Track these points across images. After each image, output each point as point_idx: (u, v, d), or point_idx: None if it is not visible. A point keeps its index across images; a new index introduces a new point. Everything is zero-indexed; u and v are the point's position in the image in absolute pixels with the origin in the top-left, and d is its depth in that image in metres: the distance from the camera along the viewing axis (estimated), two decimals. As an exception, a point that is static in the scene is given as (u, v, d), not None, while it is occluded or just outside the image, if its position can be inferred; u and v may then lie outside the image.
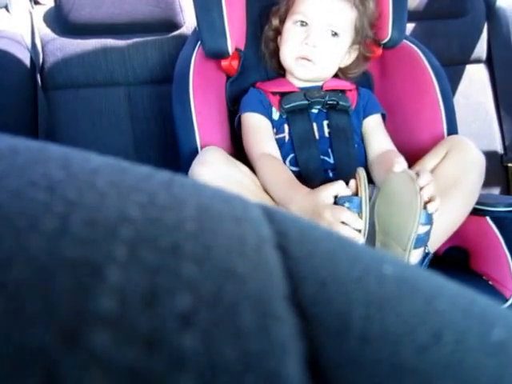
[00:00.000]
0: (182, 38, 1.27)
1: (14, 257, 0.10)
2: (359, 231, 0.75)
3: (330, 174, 0.93)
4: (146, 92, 1.34)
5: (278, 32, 1.02)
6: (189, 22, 1.36)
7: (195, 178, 0.81)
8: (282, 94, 0.98)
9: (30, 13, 1.39)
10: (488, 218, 0.97)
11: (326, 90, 0.98)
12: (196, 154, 0.88)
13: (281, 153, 0.94)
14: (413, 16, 1.37)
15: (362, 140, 1.00)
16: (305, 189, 0.81)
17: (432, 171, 0.87)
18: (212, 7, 0.93)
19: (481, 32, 1.55)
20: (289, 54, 0.97)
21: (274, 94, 0.99)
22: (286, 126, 0.96)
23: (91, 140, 1.30)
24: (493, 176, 1.50)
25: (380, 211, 0.80)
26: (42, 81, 1.30)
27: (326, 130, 0.96)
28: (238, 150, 0.98)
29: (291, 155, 0.94)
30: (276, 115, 0.98)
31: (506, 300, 0.90)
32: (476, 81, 1.56)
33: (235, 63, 1.02)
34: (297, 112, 0.96)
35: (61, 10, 1.30)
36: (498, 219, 0.97)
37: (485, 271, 0.95)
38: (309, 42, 0.94)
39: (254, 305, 0.10)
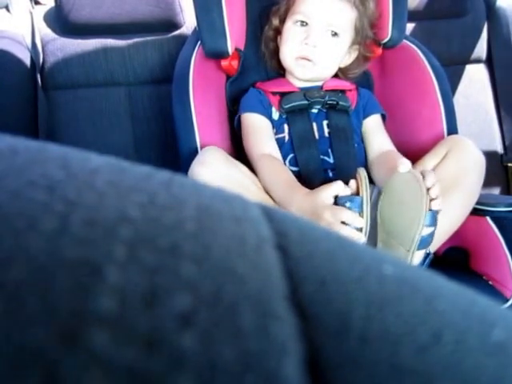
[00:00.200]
0: (182, 38, 1.27)
1: (13, 257, 0.10)
2: (360, 230, 0.75)
3: (330, 174, 0.93)
4: (146, 92, 1.34)
5: (278, 32, 1.02)
6: (189, 22, 1.36)
7: (195, 178, 0.81)
8: (282, 94, 0.98)
9: (31, 13, 1.39)
10: (488, 218, 0.97)
11: (326, 90, 0.98)
12: (196, 154, 0.88)
13: (281, 153, 0.94)
14: (413, 16, 1.37)
15: (362, 140, 1.00)
16: (304, 189, 0.81)
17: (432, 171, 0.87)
18: (212, 7, 0.93)
19: (481, 32, 1.55)
20: (289, 53, 0.97)
21: (273, 93, 0.99)
22: (285, 126, 0.96)
23: (91, 140, 1.30)
24: (493, 176, 1.50)
25: (383, 211, 0.80)
26: (42, 81, 1.30)
27: (326, 130, 0.96)
28: (238, 150, 0.98)
29: (291, 155, 0.94)
30: (276, 115, 0.98)
31: (507, 300, 0.90)
32: (476, 81, 1.56)
33: (235, 63, 1.02)
34: (297, 112, 0.96)
35: (61, 10, 1.30)
36: (498, 219, 0.97)
37: (485, 271, 0.95)
38: (309, 42, 0.94)
39: (253, 305, 0.10)
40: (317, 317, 0.11)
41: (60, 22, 1.33)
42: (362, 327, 0.11)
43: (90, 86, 1.32)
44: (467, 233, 0.97)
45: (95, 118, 1.32)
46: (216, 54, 0.98)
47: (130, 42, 1.34)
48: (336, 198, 0.76)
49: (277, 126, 0.97)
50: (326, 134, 0.96)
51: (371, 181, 0.97)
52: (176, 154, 1.01)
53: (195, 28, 1.03)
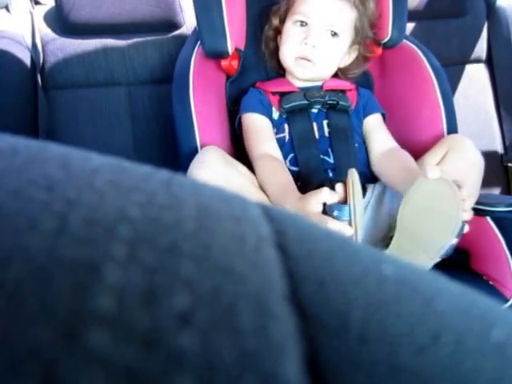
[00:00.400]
0: (182, 38, 1.27)
1: (12, 256, 0.10)
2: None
3: (330, 174, 0.93)
4: (146, 92, 1.34)
5: (278, 32, 1.02)
6: (189, 22, 1.36)
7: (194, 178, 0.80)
8: (282, 94, 0.99)
9: (31, 13, 1.39)
10: (488, 218, 0.97)
11: (326, 90, 0.98)
12: (196, 154, 0.88)
13: (281, 152, 0.94)
14: (413, 16, 1.37)
15: (364, 140, 1.00)
16: (297, 194, 0.80)
17: None
18: (212, 7, 0.93)
19: (481, 32, 1.55)
20: (288, 53, 0.97)
21: (273, 93, 0.99)
22: (285, 126, 0.96)
23: (91, 140, 1.30)
24: (493, 176, 1.50)
25: (405, 215, 0.77)
26: (42, 81, 1.30)
27: (326, 130, 0.96)
28: (238, 150, 0.98)
29: (291, 155, 0.94)
30: (276, 115, 0.98)
31: (507, 300, 0.90)
32: (476, 81, 1.56)
33: (235, 63, 1.02)
34: (297, 112, 0.96)
35: (61, 10, 1.30)
36: (498, 219, 0.97)
37: (485, 271, 0.95)
38: (308, 42, 0.94)
39: (252, 304, 0.10)
40: (316, 317, 0.11)
41: (60, 21, 1.33)
42: (361, 327, 0.11)
43: (90, 85, 1.32)
44: (467, 233, 0.97)
45: (95, 117, 1.32)
46: (216, 54, 0.98)
47: (130, 42, 1.34)
48: (325, 205, 0.75)
49: (277, 126, 0.97)
50: (326, 134, 0.96)
51: (372, 180, 0.97)
52: (176, 154, 1.01)
53: (195, 28, 1.03)
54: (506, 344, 0.13)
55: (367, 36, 1.01)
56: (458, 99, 1.49)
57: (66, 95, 1.31)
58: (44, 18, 1.37)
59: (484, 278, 0.95)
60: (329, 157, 0.94)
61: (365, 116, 1.01)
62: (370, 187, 0.95)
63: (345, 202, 0.75)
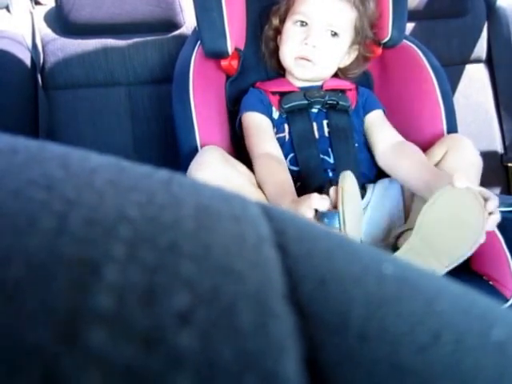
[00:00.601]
0: (182, 38, 1.27)
1: (12, 255, 0.10)
2: None
3: (330, 174, 0.92)
4: (147, 92, 1.34)
5: (278, 31, 1.02)
6: (189, 22, 1.36)
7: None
8: (282, 94, 0.98)
9: (31, 13, 1.39)
10: (488, 218, 0.97)
11: (326, 90, 0.98)
12: (196, 154, 0.88)
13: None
14: (413, 16, 1.37)
15: (366, 137, 1.00)
16: (292, 196, 0.79)
17: None
18: (212, 7, 0.93)
19: (481, 32, 1.55)
20: (288, 53, 0.97)
21: (273, 93, 0.99)
22: (285, 126, 0.96)
23: (91, 140, 1.30)
24: (493, 176, 1.50)
25: (427, 220, 0.76)
26: (42, 81, 1.30)
27: (326, 130, 0.96)
28: (238, 150, 0.98)
29: (291, 155, 0.94)
30: (276, 115, 0.98)
31: (507, 300, 0.90)
32: (476, 80, 1.56)
33: (235, 63, 1.02)
34: (296, 112, 0.96)
35: (61, 10, 1.31)
36: (498, 219, 0.96)
37: (485, 271, 0.95)
38: (309, 42, 0.94)
39: (252, 303, 0.10)
40: (316, 315, 0.11)
41: (60, 22, 1.33)
42: (361, 326, 0.11)
43: (90, 85, 1.32)
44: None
45: (95, 117, 1.32)
46: (216, 54, 0.98)
47: (130, 42, 1.34)
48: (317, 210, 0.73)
49: (277, 126, 0.97)
50: (326, 134, 0.96)
51: (372, 180, 0.97)
52: (176, 154, 1.01)
53: (195, 28, 1.03)
54: (507, 343, 0.13)
55: (367, 36, 1.01)
56: (458, 99, 1.49)
57: (66, 95, 1.31)
58: (44, 18, 1.38)
59: (484, 278, 0.95)
60: (329, 157, 0.94)
61: (366, 113, 1.01)
62: (369, 187, 0.95)
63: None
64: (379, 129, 0.99)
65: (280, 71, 1.06)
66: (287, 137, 0.96)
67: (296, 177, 0.90)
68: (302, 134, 0.95)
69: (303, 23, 0.96)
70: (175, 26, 1.36)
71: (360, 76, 1.08)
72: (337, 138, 0.95)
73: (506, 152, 1.56)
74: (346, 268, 0.13)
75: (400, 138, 0.97)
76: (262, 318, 0.10)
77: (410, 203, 0.93)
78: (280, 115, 0.97)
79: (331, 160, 0.94)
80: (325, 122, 0.97)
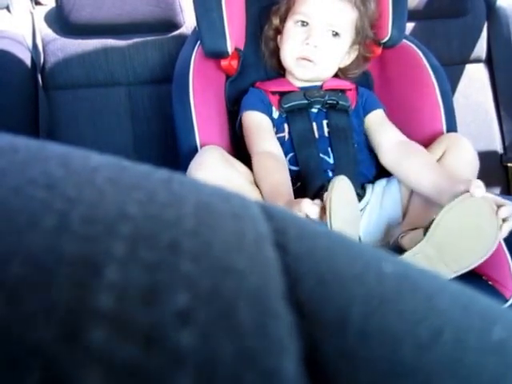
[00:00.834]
0: (182, 38, 1.27)
1: (13, 253, 0.10)
2: None
3: (330, 174, 0.92)
4: (147, 92, 1.34)
5: (278, 31, 1.02)
6: (189, 22, 1.36)
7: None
8: (282, 94, 0.98)
9: (31, 13, 1.39)
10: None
11: (326, 90, 0.98)
12: (195, 154, 0.88)
13: (281, 152, 0.94)
14: (413, 16, 1.37)
15: (365, 139, 1.00)
16: (285, 198, 0.79)
17: None
18: (212, 7, 0.93)
19: (481, 32, 1.55)
20: (289, 54, 0.97)
21: (273, 93, 0.99)
22: (285, 126, 0.96)
23: (92, 140, 1.31)
24: (493, 176, 1.50)
25: (442, 226, 0.76)
26: (42, 81, 1.30)
27: (326, 130, 0.96)
28: (238, 150, 0.98)
29: (291, 154, 0.94)
30: (276, 114, 0.98)
31: (506, 300, 0.89)
32: (476, 80, 1.56)
33: (235, 63, 1.02)
34: (296, 111, 0.96)
35: (62, 10, 1.31)
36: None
37: (485, 271, 0.95)
38: (310, 43, 0.94)
39: (252, 302, 0.10)
40: (315, 313, 0.11)
41: (60, 22, 1.33)
42: (361, 324, 0.11)
43: (90, 86, 1.32)
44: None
45: (95, 117, 1.32)
46: (216, 54, 0.98)
47: (130, 42, 1.34)
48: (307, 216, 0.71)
49: (277, 126, 0.97)
50: (326, 134, 0.96)
51: (372, 180, 0.97)
52: (176, 154, 1.01)
53: (195, 28, 1.03)
54: (508, 341, 0.13)
55: (367, 36, 1.01)
56: (458, 99, 1.49)
57: (66, 95, 1.31)
58: (44, 19, 1.38)
59: (484, 278, 0.95)
60: (328, 156, 0.94)
61: (366, 113, 1.01)
62: (369, 187, 0.95)
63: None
64: (382, 128, 0.98)
65: (280, 71, 1.06)
66: (287, 136, 0.96)
67: (296, 177, 0.90)
68: (301, 134, 0.95)
69: (304, 23, 0.95)
70: (175, 26, 1.36)
71: (360, 76, 1.08)
72: (336, 138, 0.95)
73: (505, 152, 1.55)
74: (346, 266, 0.13)
75: (403, 137, 0.97)
76: (262, 316, 0.10)
77: (407, 202, 0.93)
78: (280, 115, 0.97)
79: (331, 160, 0.94)
80: (325, 122, 0.97)
